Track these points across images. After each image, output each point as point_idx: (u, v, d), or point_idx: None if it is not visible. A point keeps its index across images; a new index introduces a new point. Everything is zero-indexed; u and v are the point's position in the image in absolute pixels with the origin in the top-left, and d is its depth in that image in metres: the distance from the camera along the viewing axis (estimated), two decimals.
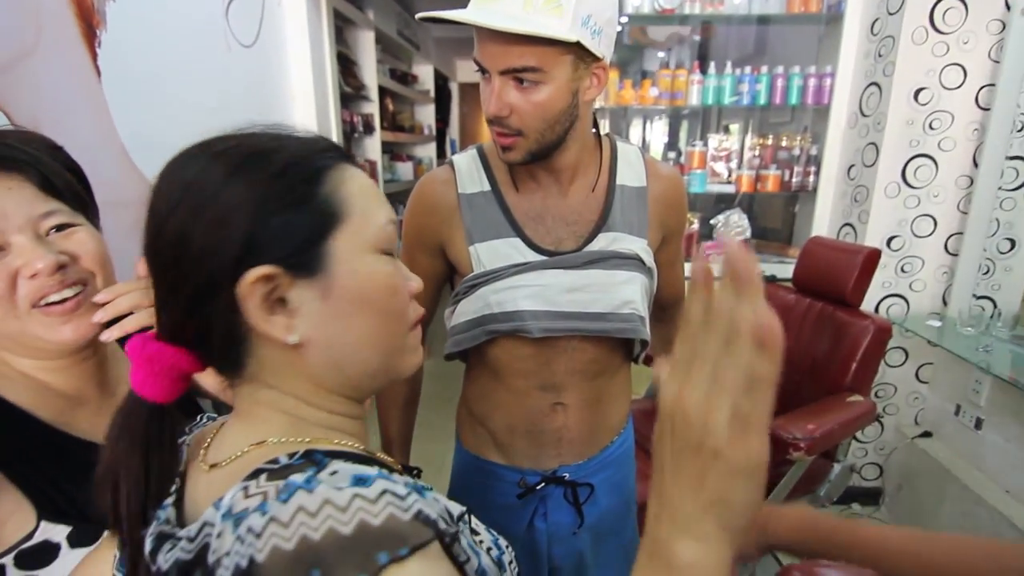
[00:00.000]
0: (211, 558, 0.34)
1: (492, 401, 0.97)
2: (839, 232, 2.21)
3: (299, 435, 0.42)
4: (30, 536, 0.51)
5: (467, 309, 0.87)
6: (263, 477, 0.36)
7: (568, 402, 0.92)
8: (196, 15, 1.58)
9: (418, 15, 0.73)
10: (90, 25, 1.22)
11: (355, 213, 0.43)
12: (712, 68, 2.23)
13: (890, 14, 1.92)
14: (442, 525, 0.35)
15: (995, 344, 1.81)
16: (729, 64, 2.22)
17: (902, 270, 2.07)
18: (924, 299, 2.09)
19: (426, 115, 4.45)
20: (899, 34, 1.86)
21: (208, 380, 0.56)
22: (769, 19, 2.26)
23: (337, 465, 0.37)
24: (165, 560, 0.37)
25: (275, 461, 0.38)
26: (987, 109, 1.88)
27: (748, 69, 2.20)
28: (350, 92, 2.77)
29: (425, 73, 4.29)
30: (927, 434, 2.13)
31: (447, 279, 0.96)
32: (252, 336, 0.41)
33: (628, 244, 0.88)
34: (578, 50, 0.73)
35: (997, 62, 1.84)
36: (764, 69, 2.19)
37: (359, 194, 0.44)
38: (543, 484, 0.95)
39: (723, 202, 2.53)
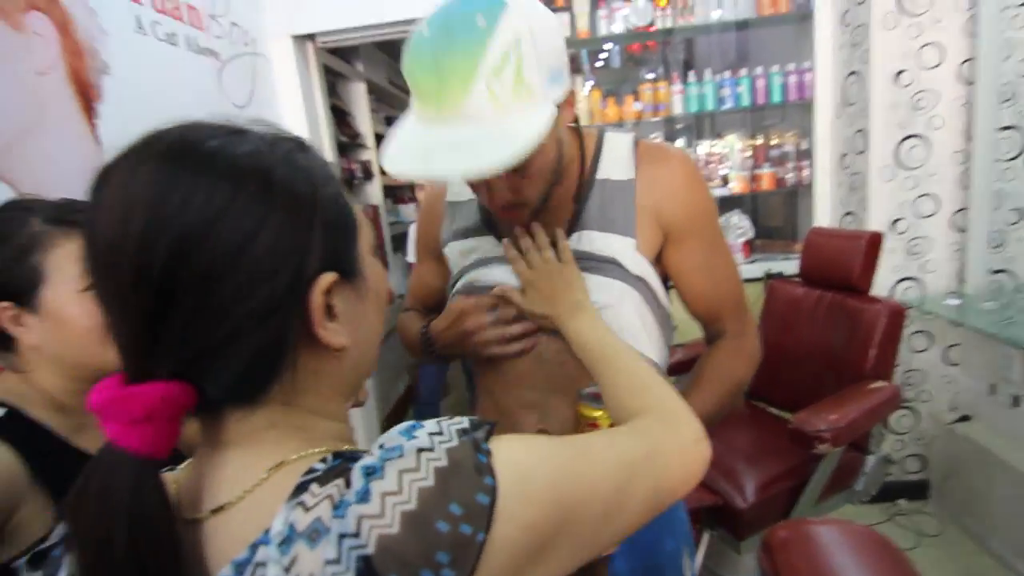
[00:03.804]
0: None
1: (484, 413, 0.92)
2: (841, 221, 2.19)
3: (314, 447, 0.40)
4: (44, 539, 0.52)
5: None
6: (314, 487, 0.34)
7: (553, 431, 0.81)
8: (189, 80, 1.66)
9: (386, 166, 0.65)
10: (88, 99, 1.29)
11: (360, 216, 0.45)
12: (692, 76, 2.26)
13: (858, 3, 1.95)
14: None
15: (1018, 316, 1.75)
16: (709, 71, 2.26)
17: (911, 252, 2.04)
18: (939, 279, 2.05)
19: None
20: (869, 22, 1.88)
21: None
22: (744, 24, 2.31)
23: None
24: None
25: (313, 471, 0.35)
26: (971, 83, 1.88)
27: (727, 73, 2.23)
28: (346, 141, 2.86)
29: None
30: (965, 418, 2.05)
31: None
32: (296, 351, 0.39)
33: (608, 243, 0.78)
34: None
35: (973, 36, 1.85)
36: (743, 72, 2.22)
37: (361, 223, 0.45)
38: None
39: (722, 206, 2.53)
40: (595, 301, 0.77)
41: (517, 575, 0.35)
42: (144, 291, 0.34)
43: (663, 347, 0.84)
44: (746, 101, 2.23)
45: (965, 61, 1.88)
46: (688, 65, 2.66)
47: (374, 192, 3.23)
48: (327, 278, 0.38)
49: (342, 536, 0.31)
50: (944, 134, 1.94)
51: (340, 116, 2.95)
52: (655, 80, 2.34)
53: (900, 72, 1.90)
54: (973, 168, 1.91)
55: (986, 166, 1.88)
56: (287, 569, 0.31)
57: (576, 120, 0.82)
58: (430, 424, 0.37)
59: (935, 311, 1.92)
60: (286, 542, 0.31)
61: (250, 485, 0.37)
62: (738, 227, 2.35)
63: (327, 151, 2.41)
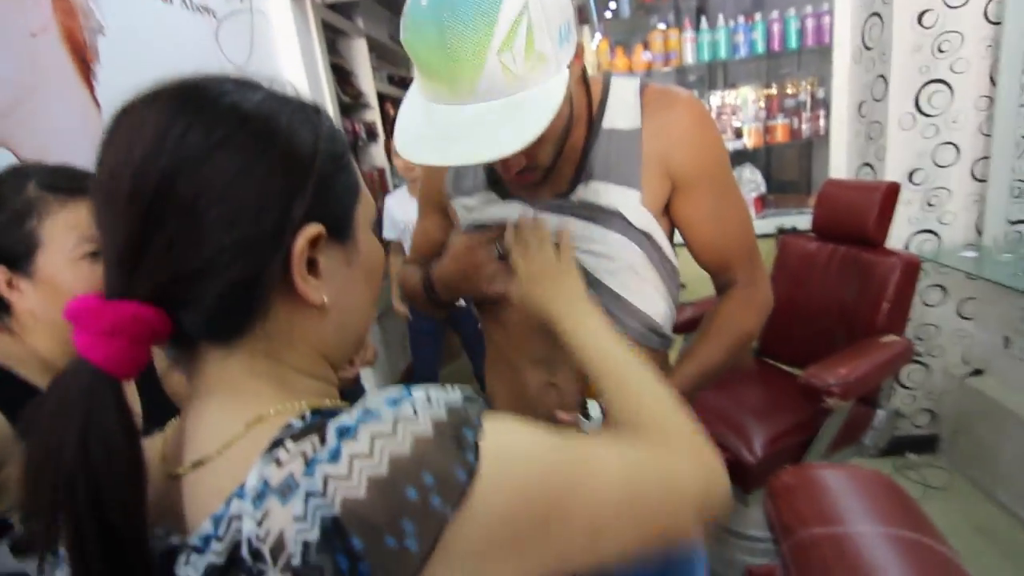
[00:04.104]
0: (257, 546, 0.31)
1: (495, 374, 0.95)
2: (857, 173, 2.13)
3: (295, 402, 0.39)
4: None
5: None
6: (288, 442, 0.33)
7: (561, 383, 0.83)
8: (186, 40, 1.63)
9: (405, 156, 0.64)
10: (84, 61, 1.27)
11: (363, 188, 0.45)
12: (704, 23, 2.18)
13: None
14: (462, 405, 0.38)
15: None
16: (721, 17, 2.16)
17: (928, 204, 1.98)
18: (956, 231, 2.00)
19: None
20: None
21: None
22: None
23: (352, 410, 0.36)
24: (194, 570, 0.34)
25: (290, 426, 0.35)
26: (998, 23, 1.78)
27: (741, 19, 2.14)
28: (349, 102, 2.81)
29: None
30: (978, 372, 2.03)
31: None
32: (274, 298, 0.39)
33: (612, 195, 0.77)
34: None
35: None
36: (758, 16, 2.13)
37: (363, 192, 0.45)
38: None
39: (734, 160, 2.47)
40: (596, 251, 0.77)
41: (480, 565, 0.33)
42: (134, 211, 0.35)
43: (669, 302, 0.84)
44: (761, 48, 2.15)
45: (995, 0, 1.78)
46: (701, 11, 2.56)
47: (379, 154, 3.19)
48: (313, 228, 0.38)
49: (309, 494, 0.31)
50: (968, 78, 1.86)
51: (342, 75, 2.88)
52: (666, 28, 2.25)
53: (923, 12, 1.81)
54: (996, 114, 1.83)
55: (1010, 112, 1.81)
56: (259, 523, 0.31)
57: (583, 70, 0.79)
58: (419, 393, 0.36)
59: (951, 264, 1.89)
60: (260, 496, 0.32)
61: (228, 439, 0.37)
62: (751, 181, 2.30)
63: (330, 111, 2.37)
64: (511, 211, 0.81)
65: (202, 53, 1.70)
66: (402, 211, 2.29)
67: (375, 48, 3.34)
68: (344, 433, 0.33)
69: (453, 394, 0.37)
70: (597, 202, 0.77)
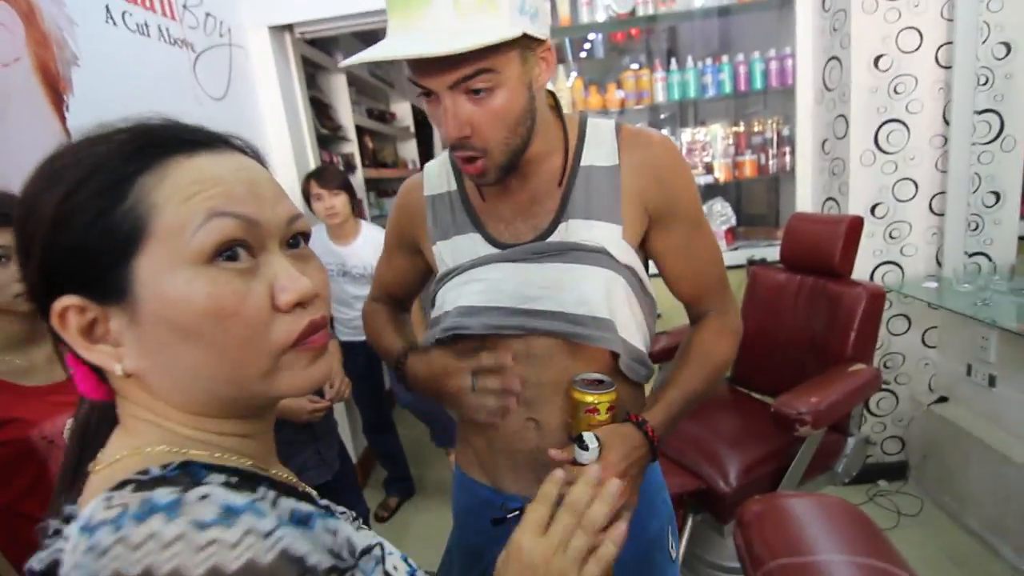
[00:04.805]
0: (62, 572, 0.32)
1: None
2: (823, 207, 2.21)
3: (178, 446, 0.39)
4: None
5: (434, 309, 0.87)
6: (129, 488, 0.33)
7: (542, 420, 0.81)
8: (163, 72, 1.63)
9: (342, 63, 0.69)
10: (56, 91, 1.26)
11: (167, 222, 0.37)
12: (674, 64, 2.26)
13: None
14: (313, 560, 0.34)
15: (995, 298, 1.78)
16: (690, 58, 2.25)
17: (890, 236, 2.06)
18: (918, 262, 2.08)
19: (408, 150, 4.52)
20: (849, 6, 1.89)
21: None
22: (726, 10, 2.31)
23: (211, 488, 0.34)
24: (37, 561, 0.35)
25: (145, 472, 0.35)
26: (948, 67, 1.90)
27: (709, 60, 2.23)
28: (327, 134, 2.83)
29: (403, 110, 4.37)
30: (943, 399, 2.09)
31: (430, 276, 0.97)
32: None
33: (594, 233, 0.78)
34: (524, 40, 0.67)
35: (950, 20, 1.86)
36: (725, 59, 2.22)
37: (178, 195, 0.37)
38: (518, 513, 0.85)
39: (705, 194, 2.54)
40: (587, 290, 0.77)
41: None
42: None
43: (648, 334, 0.85)
44: (728, 88, 2.24)
45: (943, 45, 1.89)
46: (671, 53, 2.66)
47: (357, 185, 3.20)
48: (62, 302, 0.37)
49: (93, 548, 0.31)
50: (922, 118, 1.96)
51: (320, 108, 2.91)
52: (638, 68, 2.33)
53: (879, 56, 1.92)
54: (951, 151, 1.93)
55: (963, 149, 1.91)
56: (71, 551, 0.33)
57: (558, 105, 0.82)
58: (268, 521, 0.34)
59: (913, 294, 1.95)
60: (83, 528, 0.33)
61: (111, 460, 0.39)
62: (721, 214, 2.36)
63: (307, 144, 2.38)
64: (490, 271, 0.81)
65: (179, 86, 1.70)
66: (319, 255, 2.21)
67: (354, 83, 3.39)
68: (144, 507, 0.32)
69: (277, 544, 0.33)
70: (580, 241, 0.78)
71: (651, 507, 0.90)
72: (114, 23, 1.44)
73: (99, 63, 1.37)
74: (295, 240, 0.43)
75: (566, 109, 0.85)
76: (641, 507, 0.86)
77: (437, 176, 0.89)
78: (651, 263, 0.87)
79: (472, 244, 0.83)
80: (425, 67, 0.65)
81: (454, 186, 0.87)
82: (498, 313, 0.79)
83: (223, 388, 0.39)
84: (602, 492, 0.49)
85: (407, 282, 0.99)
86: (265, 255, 0.40)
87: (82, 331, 0.38)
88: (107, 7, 1.42)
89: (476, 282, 0.81)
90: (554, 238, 0.79)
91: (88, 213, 0.36)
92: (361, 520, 0.46)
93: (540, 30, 0.69)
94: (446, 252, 0.85)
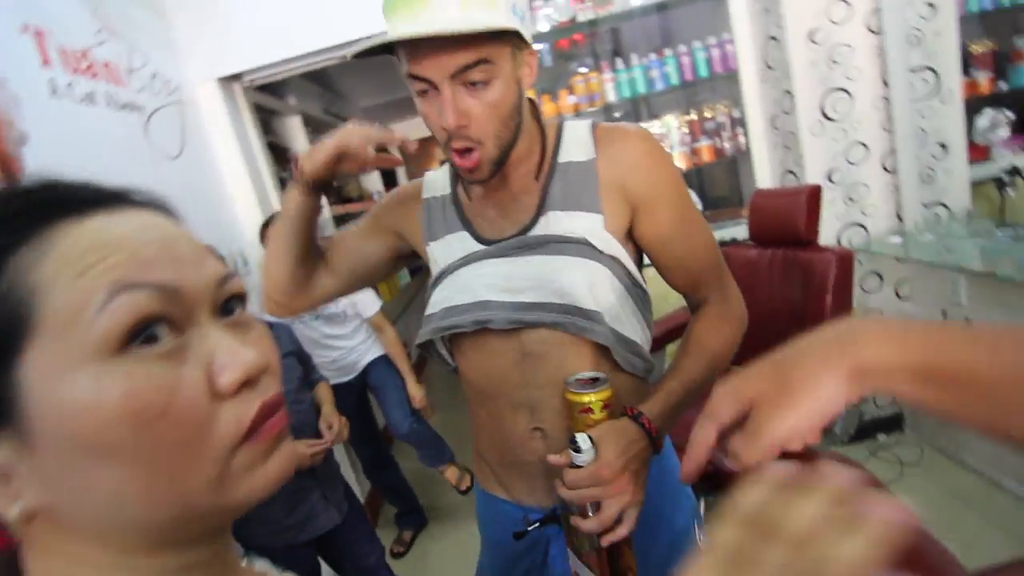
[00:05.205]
0: None
1: (478, 426, 0.92)
2: (782, 180, 2.27)
3: None
4: None
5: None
6: None
7: (547, 427, 0.81)
8: (114, 138, 1.62)
9: (350, 52, 0.71)
10: (10, 172, 1.25)
11: (56, 307, 0.28)
12: (620, 63, 2.32)
13: None
14: None
15: (957, 243, 1.85)
16: (635, 56, 2.31)
17: (850, 199, 2.13)
18: (880, 220, 2.15)
19: (372, 181, 4.54)
20: None
21: None
22: (664, 6, 2.38)
23: None
24: None
25: None
26: (879, 33, 1.98)
27: (653, 56, 2.29)
28: (287, 177, 2.82)
29: None
30: None
31: (390, 267, 0.98)
32: None
33: (575, 223, 0.79)
34: (514, 40, 0.71)
35: None
36: (668, 52, 2.28)
37: (68, 270, 0.28)
38: (539, 525, 0.82)
39: None
40: (569, 282, 0.77)
41: None
42: None
43: (644, 325, 0.85)
44: (675, 80, 2.30)
45: (872, 11, 1.97)
46: (616, 53, 2.73)
47: (324, 223, 3.20)
48: None
49: None
50: (863, 83, 2.03)
51: (279, 153, 2.91)
52: (587, 72, 2.39)
53: (814, 30, 1.99)
54: (893, 111, 2.01)
55: (905, 107, 1.99)
56: None
57: (536, 111, 0.85)
58: None
59: (880, 251, 2.02)
60: None
61: None
62: None
63: (269, 189, 2.38)
64: (476, 267, 0.82)
65: (133, 150, 1.69)
66: None
67: (310, 123, 3.40)
68: None
69: None
70: (560, 232, 0.78)
71: (675, 500, 0.90)
72: (60, 96, 1.43)
73: (48, 138, 1.35)
74: (229, 305, 0.35)
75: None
76: (664, 501, 0.86)
77: (435, 182, 0.92)
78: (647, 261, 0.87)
79: (460, 242, 0.85)
80: (429, 55, 0.68)
81: (448, 189, 0.89)
82: (487, 308, 0.79)
83: (159, 512, 0.30)
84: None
85: (360, 254, 0.97)
86: (194, 330, 0.32)
87: None
88: (51, 80, 1.41)
89: (463, 280, 0.82)
90: (536, 231, 0.80)
91: None
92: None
93: (527, 34, 0.73)
94: (438, 251, 0.87)
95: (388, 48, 0.71)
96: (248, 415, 0.31)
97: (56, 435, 0.28)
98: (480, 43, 0.67)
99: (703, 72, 2.28)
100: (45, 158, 1.33)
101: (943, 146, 2.00)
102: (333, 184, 0.88)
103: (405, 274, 4.76)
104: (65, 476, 0.29)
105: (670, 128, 2.42)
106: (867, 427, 2.22)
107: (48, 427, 0.28)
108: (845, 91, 2.04)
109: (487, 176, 0.76)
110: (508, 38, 0.70)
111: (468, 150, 0.73)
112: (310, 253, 0.93)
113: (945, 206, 2.03)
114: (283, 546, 1.47)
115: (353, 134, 0.81)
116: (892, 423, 2.28)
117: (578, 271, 0.77)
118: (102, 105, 1.59)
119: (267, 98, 2.73)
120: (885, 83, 2.02)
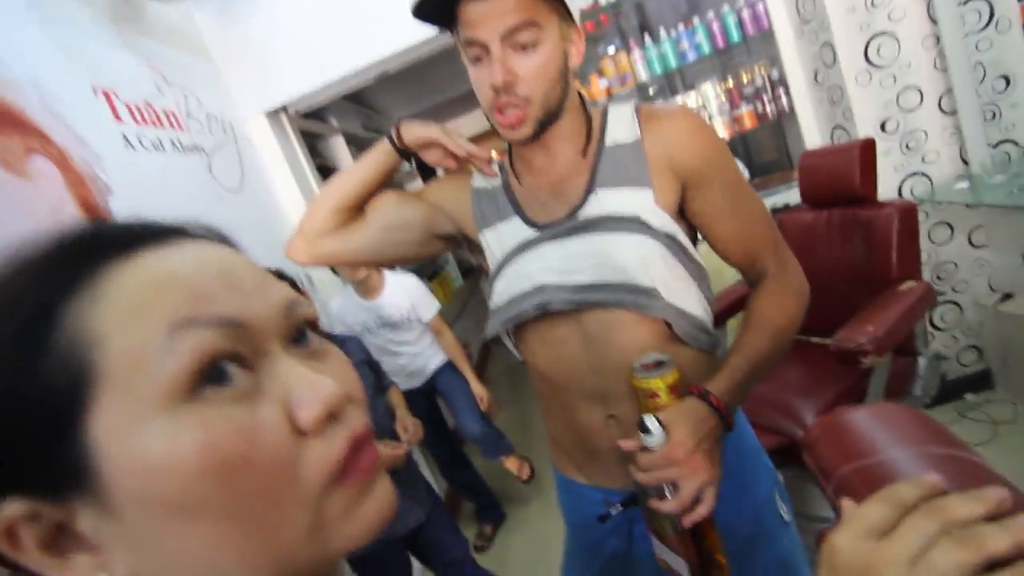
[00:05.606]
0: None
1: (552, 415, 0.93)
2: (832, 137, 2.19)
3: None
4: None
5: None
6: None
7: (620, 414, 0.82)
8: (185, 180, 1.76)
9: (412, 5, 0.74)
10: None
11: (116, 354, 0.26)
12: (648, 40, 2.29)
13: None
14: None
15: None
16: (663, 29, 2.28)
17: (907, 147, 2.03)
18: (943, 167, 2.03)
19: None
20: None
21: None
22: None
23: None
24: None
25: None
26: None
27: (682, 27, 2.25)
28: None
29: None
30: (1008, 296, 2.02)
31: (423, 243, 0.96)
32: None
33: (625, 200, 0.79)
34: (561, 10, 0.75)
35: None
36: (696, 20, 2.24)
37: (124, 313, 0.27)
38: (621, 508, 0.85)
39: None
40: (623, 260, 0.78)
41: None
42: None
43: (703, 299, 0.85)
44: (707, 49, 2.25)
45: None
46: (643, 29, 2.69)
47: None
48: (2, 517, 0.25)
49: None
50: (908, 24, 1.93)
51: (327, 173, 3.05)
52: (615, 53, 2.37)
53: None
54: (945, 48, 1.90)
55: (957, 43, 1.87)
56: None
57: (583, 100, 0.87)
58: None
59: (947, 199, 1.91)
60: None
61: None
62: None
63: None
64: (531, 252, 0.84)
65: (201, 188, 1.83)
66: (352, 315, 2.20)
67: (352, 140, 3.53)
68: None
69: None
70: (612, 211, 0.79)
71: (754, 473, 0.90)
72: (133, 147, 1.57)
73: (128, 187, 1.48)
74: (301, 333, 0.32)
75: None
76: (743, 475, 0.87)
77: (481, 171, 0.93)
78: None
79: (513, 228, 0.86)
80: (482, 16, 0.72)
81: (499, 181, 0.91)
82: (545, 291, 0.81)
83: (256, 572, 0.28)
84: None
85: (388, 209, 0.95)
86: (266, 364, 0.29)
87: (43, 546, 0.26)
88: (123, 135, 1.55)
89: (521, 267, 0.84)
90: (586, 210, 0.81)
91: (4, 370, 0.26)
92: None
93: (575, 11, 0.77)
94: (492, 240, 0.89)
95: (446, 23, 0.76)
96: (336, 453, 0.29)
97: (136, 496, 0.26)
98: (529, 5, 0.71)
99: (735, 37, 2.22)
100: (128, 206, 1.46)
101: (1006, 79, 1.87)
102: (413, 157, 0.92)
103: (458, 276, 4.84)
104: (152, 541, 0.27)
105: (707, 98, 2.37)
106: (952, 387, 2.11)
107: (127, 488, 0.26)
108: (890, 35, 1.94)
109: (530, 134, 0.78)
110: (555, 6, 0.74)
111: (514, 105, 0.76)
112: (361, 207, 0.95)
113: (1015, 143, 1.90)
114: (375, 545, 1.55)
115: (453, 134, 0.88)
116: (980, 381, 2.16)
117: (630, 248, 0.77)
118: (169, 150, 1.72)
119: (312, 123, 2.86)
120: (932, 20, 1.91)
